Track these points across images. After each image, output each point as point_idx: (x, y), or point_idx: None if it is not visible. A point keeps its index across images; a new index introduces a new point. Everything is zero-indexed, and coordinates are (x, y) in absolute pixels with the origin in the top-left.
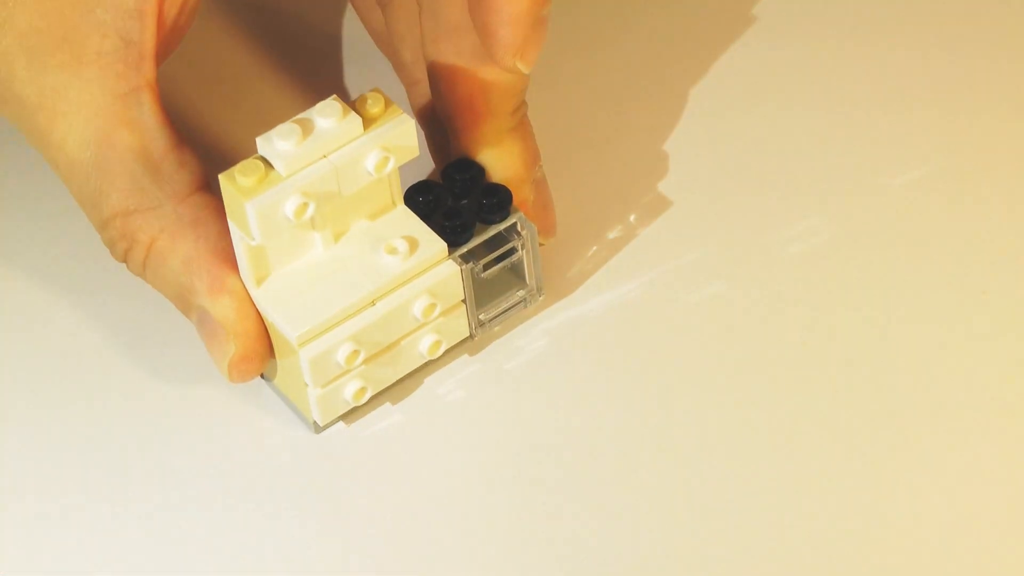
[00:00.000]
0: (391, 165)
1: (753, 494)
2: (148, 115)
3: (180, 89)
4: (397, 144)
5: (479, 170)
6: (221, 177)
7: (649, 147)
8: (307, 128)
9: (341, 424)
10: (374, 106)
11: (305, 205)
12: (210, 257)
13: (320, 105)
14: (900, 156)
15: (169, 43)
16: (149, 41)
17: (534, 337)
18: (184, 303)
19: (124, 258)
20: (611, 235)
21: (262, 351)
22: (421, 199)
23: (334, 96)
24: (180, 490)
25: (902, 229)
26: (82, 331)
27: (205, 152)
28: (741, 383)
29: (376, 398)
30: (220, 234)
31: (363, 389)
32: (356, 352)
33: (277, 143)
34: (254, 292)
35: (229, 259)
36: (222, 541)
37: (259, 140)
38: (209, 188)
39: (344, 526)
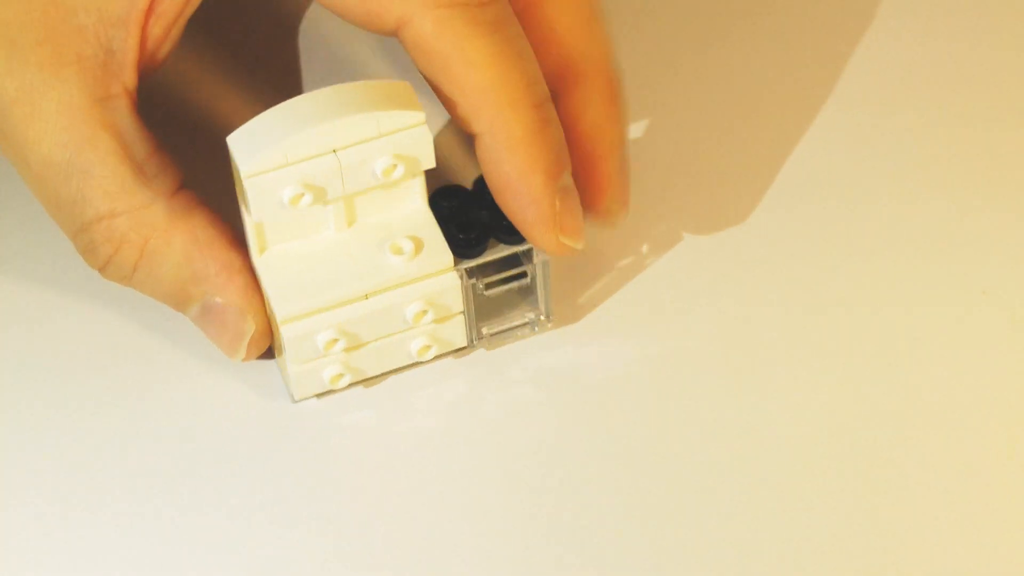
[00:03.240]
0: (399, 173)
1: (753, 491)
2: (127, 120)
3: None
4: (410, 154)
5: None
6: (230, 140)
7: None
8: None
9: (323, 404)
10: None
11: (301, 195)
12: (214, 244)
13: (390, 84)
14: (900, 156)
15: (152, 60)
16: (131, 52)
17: (534, 351)
18: (182, 297)
19: (105, 263)
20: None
21: (271, 325)
22: (445, 204)
23: (407, 84)
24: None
25: (902, 229)
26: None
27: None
28: (739, 384)
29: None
30: (214, 222)
31: (340, 375)
32: (335, 340)
33: None
34: (256, 260)
35: (232, 241)
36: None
37: (279, 108)
38: (188, 188)
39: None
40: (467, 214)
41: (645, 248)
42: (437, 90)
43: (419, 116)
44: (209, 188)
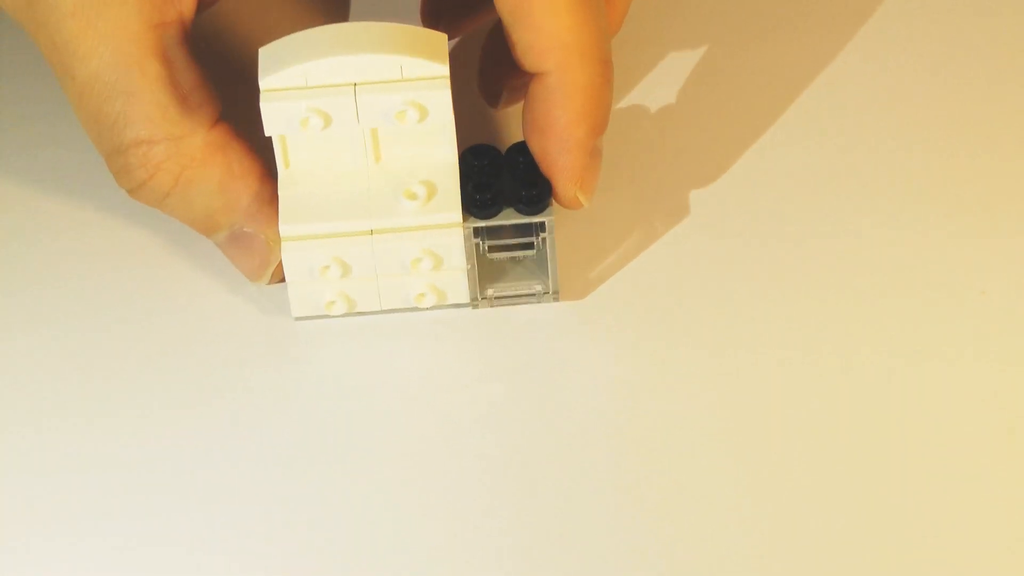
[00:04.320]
0: (410, 120)
1: (749, 486)
2: (178, 49)
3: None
4: (427, 104)
5: None
6: (262, 51)
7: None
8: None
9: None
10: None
11: (307, 120)
12: (248, 176)
13: (427, 32)
14: (901, 156)
15: None
16: None
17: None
18: (211, 224)
19: (138, 186)
20: (633, 239)
21: None
22: (475, 162)
23: (444, 36)
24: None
25: (902, 229)
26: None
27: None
28: (737, 383)
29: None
30: (249, 154)
31: (333, 303)
32: (327, 268)
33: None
34: (280, 171)
35: (264, 173)
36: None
37: (315, 31)
38: (227, 121)
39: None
40: (490, 176)
41: (659, 227)
42: (511, 27)
43: (443, 70)
44: (248, 119)
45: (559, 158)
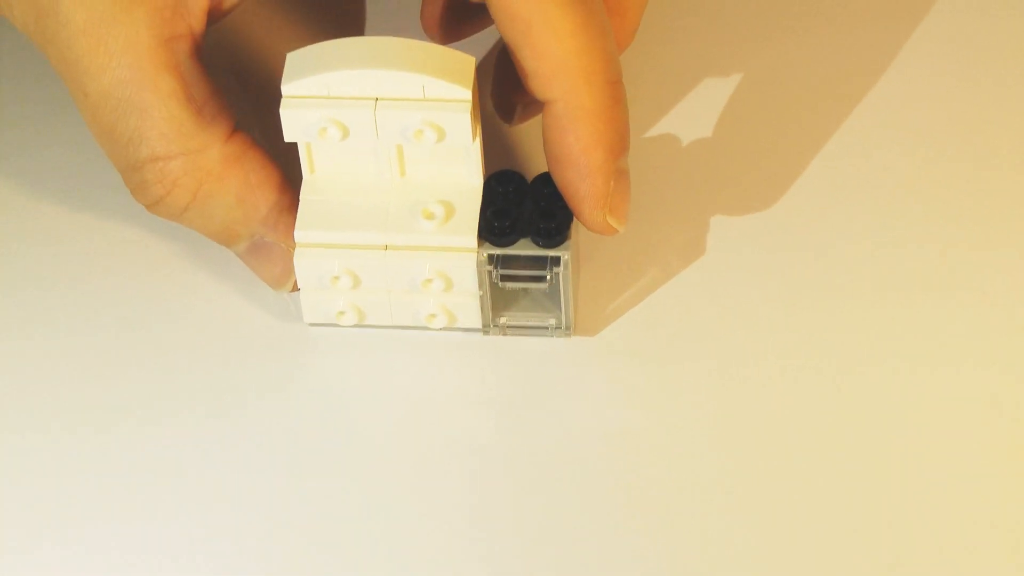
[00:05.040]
0: (427, 140)
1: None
2: (190, 63)
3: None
4: (445, 127)
5: None
6: (289, 56)
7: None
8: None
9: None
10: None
11: (325, 130)
12: (265, 185)
13: (455, 54)
14: (901, 156)
15: (220, 6)
16: None
17: (553, 344)
18: (231, 235)
19: (155, 202)
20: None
21: None
22: (499, 188)
23: (472, 59)
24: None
25: (902, 229)
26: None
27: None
28: (738, 391)
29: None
30: (266, 164)
31: (343, 313)
32: (338, 278)
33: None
34: (306, 175)
35: (282, 182)
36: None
37: (343, 42)
38: (242, 130)
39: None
40: (512, 203)
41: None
42: (515, 54)
43: (465, 94)
44: (264, 128)
45: (580, 186)
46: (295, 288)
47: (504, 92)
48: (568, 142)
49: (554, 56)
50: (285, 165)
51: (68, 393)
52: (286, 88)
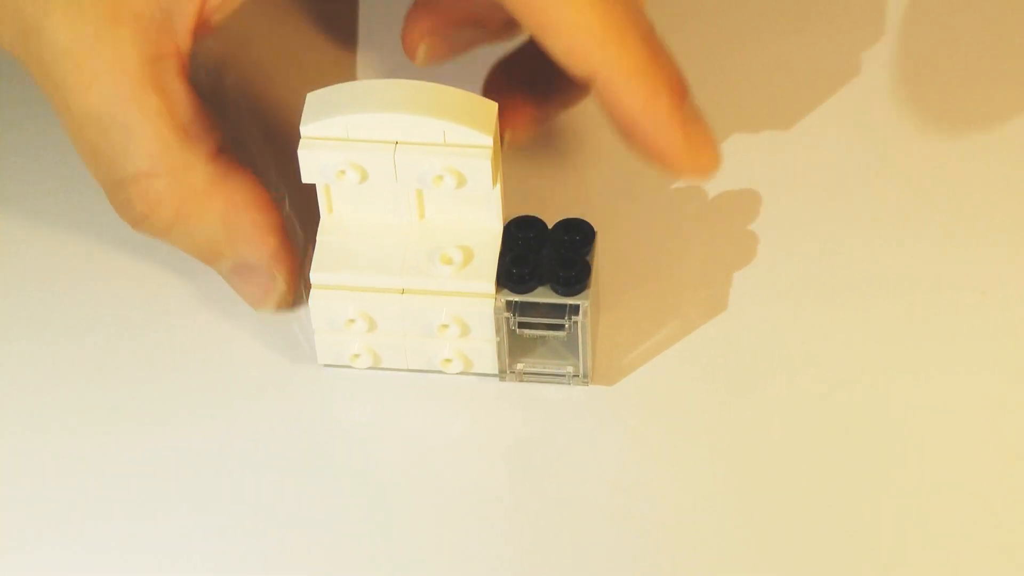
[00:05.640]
0: (447, 185)
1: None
2: (175, 81)
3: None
4: (465, 172)
5: (588, 235)
6: (309, 96)
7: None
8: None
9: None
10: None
11: (343, 172)
12: (250, 206)
13: (478, 99)
14: (901, 157)
15: (206, 25)
16: (190, 16)
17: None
18: (214, 254)
19: (140, 220)
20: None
21: (297, 283)
22: (519, 234)
23: (495, 105)
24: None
25: (902, 229)
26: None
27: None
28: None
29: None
30: (251, 184)
31: (358, 356)
32: (353, 321)
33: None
34: (324, 216)
35: (267, 202)
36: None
37: (366, 84)
38: (228, 150)
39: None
40: (531, 250)
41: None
42: (545, 44)
43: (486, 140)
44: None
45: (658, 142)
46: (274, 309)
47: (413, 27)
48: (626, 106)
49: (580, 29)
50: (271, 184)
51: (68, 394)
52: (305, 129)
